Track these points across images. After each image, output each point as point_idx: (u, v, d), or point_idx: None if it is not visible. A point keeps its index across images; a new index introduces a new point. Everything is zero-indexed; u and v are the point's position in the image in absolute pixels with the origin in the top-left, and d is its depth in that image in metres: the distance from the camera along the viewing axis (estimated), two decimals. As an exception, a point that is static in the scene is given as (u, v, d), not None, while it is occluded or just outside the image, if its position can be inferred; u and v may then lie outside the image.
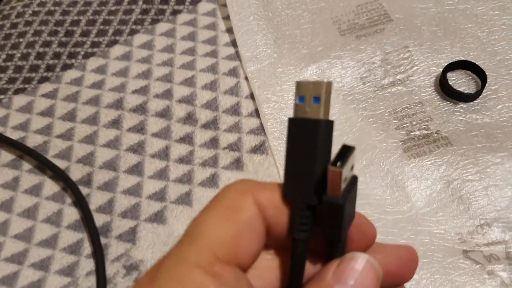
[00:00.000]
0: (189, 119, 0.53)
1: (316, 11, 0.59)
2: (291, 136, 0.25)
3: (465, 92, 0.50)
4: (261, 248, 0.25)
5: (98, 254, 0.46)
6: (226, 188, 0.25)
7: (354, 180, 0.25)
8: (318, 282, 0.24)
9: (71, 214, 0.49)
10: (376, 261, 0.24)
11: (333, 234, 0.25)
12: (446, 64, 0.52)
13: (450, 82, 0.50)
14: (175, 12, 0.62)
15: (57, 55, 0.60)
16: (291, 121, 0.25)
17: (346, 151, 0.24)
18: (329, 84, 0.24)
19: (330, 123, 0.25)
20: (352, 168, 0.25)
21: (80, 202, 0.48)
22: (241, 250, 0.24)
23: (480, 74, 0.51)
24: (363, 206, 0.45)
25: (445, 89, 0.50)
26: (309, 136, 0.24)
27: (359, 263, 0.23)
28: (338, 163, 0.23)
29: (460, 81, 0.52)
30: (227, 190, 0.25)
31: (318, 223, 0.25)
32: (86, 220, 0.47)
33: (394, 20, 0.56)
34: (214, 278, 0.22)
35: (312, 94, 0.25)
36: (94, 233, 0.47)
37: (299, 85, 0.25)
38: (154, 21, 0.62)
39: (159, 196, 0.49)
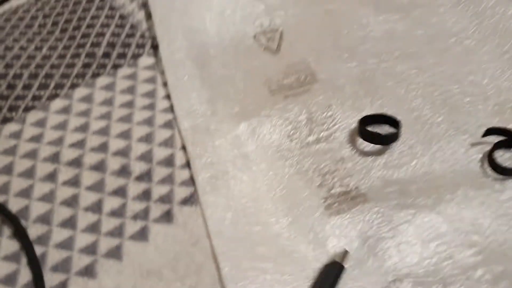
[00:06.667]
0: (123, 171, 0.51)
1: (249, 70, 0.57)
2: None
3: (381, 134, 0.49)
4: None
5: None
6: None
7: None
8: None
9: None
10: None
11: None
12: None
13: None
14: (116, 66, 0.60)
15: (-3, 108, 0.57)
16: None
17: None
18: None
19: None
20: None
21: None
22: None
23: (393, 124, 0.50)
24: (288, 263, 0.43)
25: (362, 134, 0.49)
26: None
27: None
28: None
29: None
30: None
31: None
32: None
33: (320, 80, 0.55)
34: None
35: None
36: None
37: None
38: (95, 75, 0.59)
39: (91, 249, 0.46)
